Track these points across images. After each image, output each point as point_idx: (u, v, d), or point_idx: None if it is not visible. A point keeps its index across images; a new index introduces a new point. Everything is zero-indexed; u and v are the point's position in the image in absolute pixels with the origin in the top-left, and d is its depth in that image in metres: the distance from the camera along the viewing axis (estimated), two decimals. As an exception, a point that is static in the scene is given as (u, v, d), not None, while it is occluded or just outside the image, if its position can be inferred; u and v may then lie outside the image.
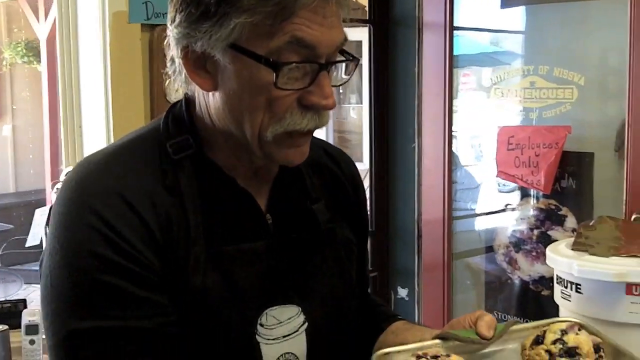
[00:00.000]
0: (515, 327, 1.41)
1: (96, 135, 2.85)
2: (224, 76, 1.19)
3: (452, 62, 3.34)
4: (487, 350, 1.36)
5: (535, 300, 3.19)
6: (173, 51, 1.24)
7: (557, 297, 2.38)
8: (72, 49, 2.89)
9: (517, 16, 3.48)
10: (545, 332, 1.36)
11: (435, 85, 3.39)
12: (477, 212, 3.72)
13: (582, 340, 1.32)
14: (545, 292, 3.15)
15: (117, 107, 2.76)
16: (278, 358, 1.27)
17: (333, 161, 1.49)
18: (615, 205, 2.81)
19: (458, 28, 3.41)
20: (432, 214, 3.46)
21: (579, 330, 1.35)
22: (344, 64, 1.25)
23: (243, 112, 1.19)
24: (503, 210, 3.42)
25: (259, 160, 1.27)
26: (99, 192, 1.17)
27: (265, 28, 1.13)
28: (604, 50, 3.09)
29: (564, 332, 1.34)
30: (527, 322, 1.45)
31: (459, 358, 1.26)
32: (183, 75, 1.24)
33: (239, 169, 1.28)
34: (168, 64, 1.28)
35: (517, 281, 3.29)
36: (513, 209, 3.31)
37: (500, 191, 3.53)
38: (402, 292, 3.63)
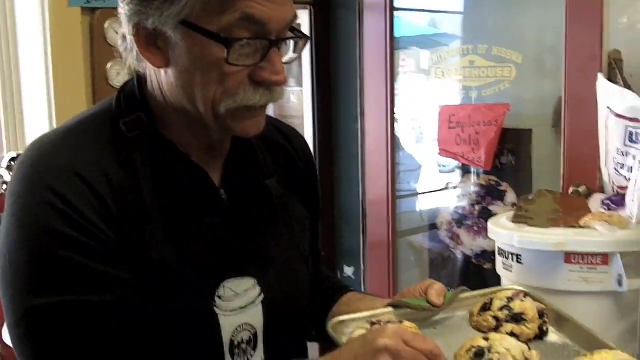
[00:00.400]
0: (463, 295, 1.46)
1: (38, 120, 2.83)
2: (175, 53, 1.20)
3: (393, 43, 3.37)
4: (437, 317, 1.41)
5: (478, 274, 3.25)
6: (124, 28, 1.24)
7: (499, 269, 2.46)
8: (10, 34, 2.86)
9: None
10: (492, 299, 1.40)
11: (377, 67, 3.42)
12: (420, 192, 3.78)
13: (527, 307, 1.37)
14: (487, 266, 3.22)
15: (59, 91, 2.74)
16: (236, 329, 1.29)
17: (285, 138, 1.51)
18: (553, 180, 2.87)
19: (398, 9, 3.44)
20: (376, 194, 3.50)
21: (524, 297, 1.40)
22: (292, 42, 1.27)
23: (195, 89, 1.20)
24: (445, 189, 3.48)
25: (216, 134, 1.29)
26: (53, 170, 1.17)
27: (216, 5, 1.15)
28: (540, 29, 3.15)
29: (510, 299, 1.39)
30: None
31: (412, 324, 1.30)
32: (135, 53, 1.25)
33: (193, 145, 1.30)
34: (119, 42, 1.29)
35: (459, 256, 3.35)
36: (455, 187, 3.37)
37: (441, 172, 3.60)
38: (349, 271, 3.68)
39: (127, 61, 1.30)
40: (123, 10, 1.23)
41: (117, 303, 1.17)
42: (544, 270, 2.25)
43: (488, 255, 3.20)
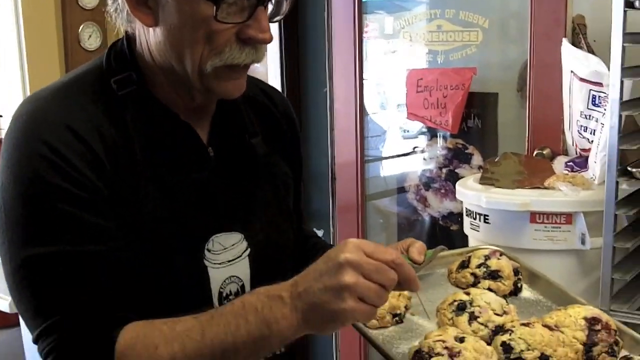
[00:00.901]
0: (442, 253, 1.51)
1: (11, 82, 2.83)
2: (165, 11, 1.24)
3: (361, 7, 3.39)
4: (418, 274, 1.47)
5: (445, 235, 3.32)
6: None
7: (467, 229, 2.52)
8: (-19, -2, 2.85)
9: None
10: (469, 257, 1.47)
11: (345, 31, 3.43)
12: (388, 156, 3.82)
13: (504, 265, 1.44)
14: (454, 227, 3.29)
15: (31, 53, 2.75)
16: (224, 281, 1.35)
17: (268, 99, 1.56)
18: (518, 142, 2.92)
19: (366, -27, 3.46)
20: (345, 157, 3.53)
21: (500, 256, 1.47)
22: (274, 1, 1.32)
23: (184, 46, 1.25)
24: (412, 153, 3.53)
25: (199, 96, 1.33)
26: (48, 124, 1.22)
27: None
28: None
29: (487, 257, 1.46)
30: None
31: None
32: (125, 13, 1.29)
33: (180, 105, 1.34)
34: (109, 2, 1.32)
35: (427, 218, 3.41)
36: (422, 151, 3.42)
37: (404, 137, 3.64)
38: (318, 233, 3.72)
39: (117, 22, 1.33)
40: None
41: (109, 253, 1.21)
42: (510, 230, 2.32)
43: (455, 217, 3.27)
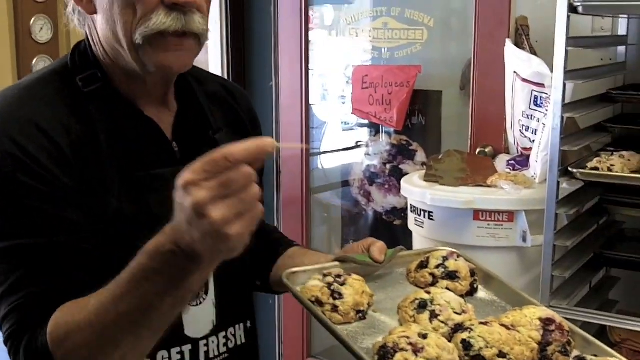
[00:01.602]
0: (402, 253, 1.56)
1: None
2: None
3: (307, 1, 3.41)
4: (378, 272, 1.51)
5: (388, 230, 3.37)
6: None
7: (411, 225, 2.57)
8: None
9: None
10: (428, 258, 1.51)
11: (292, 23, 3.44)
12: (329, 149, 3.85)
13: (461, 266, 1.48)
14: (397, 222, 3.33)
15: None
16: None
17: (230, 95, 1.58)
18: (461, 140, 2.98)
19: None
20: (290, 151, 3.56)
21: (458, 257, 1.51)
22: None
23: (116, 21, 1.28)
24: (356, 147, 3.56)
25: (150, 80, 1.35)
26: (15, 121, 1.24)
27: None
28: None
29: (445, 258, 1.50)
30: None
31: (359, 277, 1.40)
32: (77, 13, 1.32)
33: (141, 102, 1.35)
34: (68, 9, 1.35)
35: (370, 213, 3.46)
36: (367, 145, 3.45)
37: (343, 130, 3.68)
38: (262, 227, 3.73)
39: (74, 23, 1.36)
40: None
41: (74, 244, 1.24)
42: (454, 227, 2.37)
43: (398, 212, 3.31)
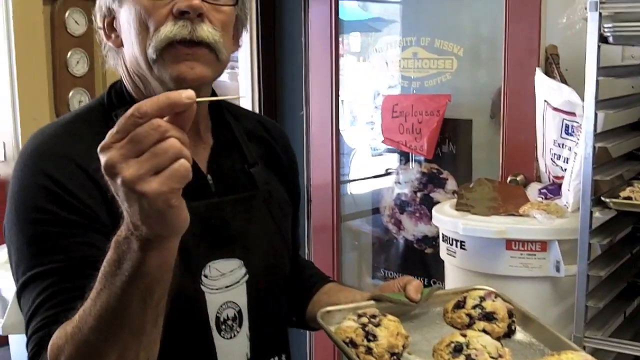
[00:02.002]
0: (438, 292, 1.55)
1: (1, 107, 2.87)
2: (122, 27, 1.35)
3: (338, 30, 3.44)
4: (414, 312, 1.51)
5: (420, 258, 3.37)
6: (98, 24, 1.40)
7: (443, 254, 2.56)
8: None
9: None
10: (465, 298, 1.50)
11: (322, 53, 3.48)
12: (358, 176, 3.86)
13: (498, 306, 1.47)
14: (428, 250, 3.33)
15: (22, 78, 2.83)
16: (221, 306, 1.39)
17: (267, 132, 1.61)
18: (492, 168, 2.98)
19: (343, -2, 3.51)
20: (320, 179, 3.57)
21: (495, 297, 1.50)
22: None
23: (133, 44, 1.33)
24: (387, 174, 3.57)
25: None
26: (52, 157, 1.29)
27: None
28: (477, 22, 3.26)
29: (482, 298, 1.48)
30: (433, 284, 1.59)
31: (394, 318, 1.39)
32: (112, 52, 1.37)
33: None
34: (102, 46, 1.40)
35: (401, 241, 3.46)
36: (397, 173, 3.46)
37: (373, 155, 3.69)
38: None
39: (110, 62, 1.40)
40: (97, 13, 1.35)
41: (94, 262, 1.25)
42: (487, 256, 2.36)
43: (429, 241, 3.31)
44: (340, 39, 3.50)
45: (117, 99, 1.40)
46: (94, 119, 1.38)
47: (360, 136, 3.70)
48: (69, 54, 2.92)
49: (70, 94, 2.94)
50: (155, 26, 1.30)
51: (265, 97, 3.68)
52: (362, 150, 3.76)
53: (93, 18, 1.42)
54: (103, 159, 0.94)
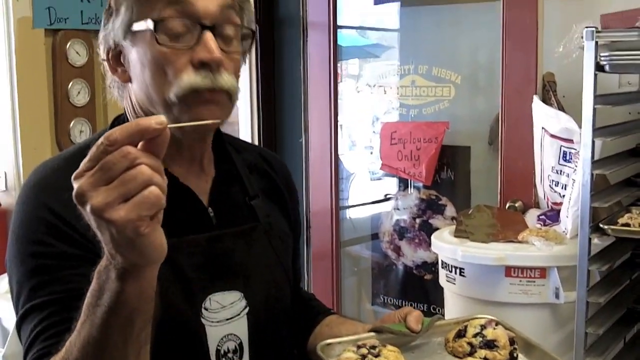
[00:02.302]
0: (439, 322, 1.55)
1: (2, 136, 2.89)
2: (131, 62, 1.35)
3: (336, 60, 3.46)
4: (415, 342, 1.51)
5: (419, 285, 3.37)
6: (102, 55, 1.39)
7: (442, 281, 2.57)
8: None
9: (395, 16, 3.64)
10: (466, 327, 1.50)
11: (321, 82, 3.50)
12: (357, 201, 3.88)
13: (499, 334, 1.47)
14: (427, 277, 3.34)
15: (23, 108, 2.86)
16: (222, 339, 1.39)
17: (268, 164, 1.62)
18: (490, 194, 3.00)
19: (341, 27, 3.54)
20: (320, 205, 3.58)
21: (496, 325, 1.50)
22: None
23: (148, 85, 1.33)
24: (385, 200, 3.59)
25: (184, 142, 1.39)
26: (53, 190, 1.30)
27: (146, 4, 1.30)
28: (475, 50, 3.29)
29: (483, 327, 1.49)
30: (432, 310, 1.60)
31: (394, 348, 1.40)
32: (116, 86, 1.37)
33: (178, 166, 1.39)
34: (108, 81, 1.40)
35: (401, 267, 3.47)
36: (396, 199, 3.47)
37: (372, 179, 3.71)
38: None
39: (115, 96, 1.41)
40: (101, 45, 1.35)
41: None
42: (486, 283, 2.37)
43: (429, 267, 3.32)
44: (338, 64, 3.52)
45: None
46: None
47: (359, 160, 3.72)
48: (70, 84, 2.94)
49: (71, 124, 2.96)
50: (175, 73, 1.30)
51: (264, 124, 3.70)
52: (361, 175, 3.78)
53: (97, 51, 1.43)
54: (75, 186, 0.95)
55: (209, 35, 1.31)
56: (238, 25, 1.38)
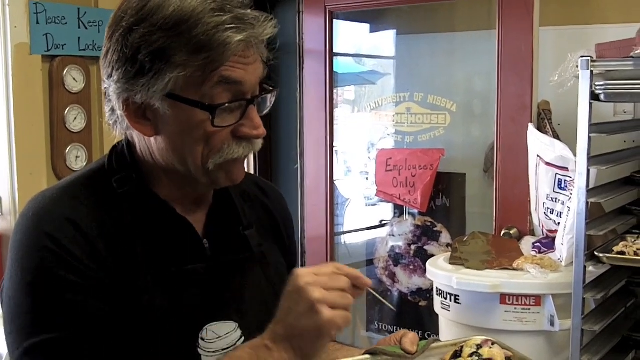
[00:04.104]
0: (435, 344, 1.54)
1: (-1, 162, 2.91)
2: (164, 121, 1.31)
3: (332, 87, 3.48)
4: None
5: (414, 311, 3.37)
6: (114, 103, 1.34)
7: (437, 308, 2.57)
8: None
9: (391, 44, 3.67)
10: (462, 347, 1.50)
11: (317, 108, 3.51)
12: (352, 226, 3.88)
13: (496, 353, 1.46)
14: (422, 303, 3.34)
15: (19, 134, 2.85)
16: None
17: (264, 194, 1.62)
18: (485, 221, 3.01)
19: (338, 54, 3.57)
20: (315, 231, 3.58)
21: (492, 345, 1.50)
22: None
23: (185, 150, 1.32)
24: (381, 226, 3.59)
25: (204, 188, 1.40)
26: (53, 220, 1.28)
27: (197, 77, 1.26)
28: (470, 78, 3.31)
29: (479, 346, 1.48)
30: (428, 337, 1.59)
31: None
32: (125, 124, 1.35)
33: (178, 200, 1.40)
34: (107, 114, 1.38)
35: (396, 293, 3.46)
36: (391, 225, 3.48)
37: (367, 205, 3.71)
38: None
39: (115, 131, 1.39)
40: (111, 87, 1.32)
41: (108, 336, 1.26)
42: (481, 310, 2.38)
43: (424, 293, 3.32)
44: (334, 91, 3.54)
45: (118, 163, 1.40)
46: (95, 183, 1.38)
47: (355, 186, 3.72)
48: (67, 110, 2.94)
49: (67, 149, 2.95)
50: (218, 145, 1.31)
51: (260, 151, 3.67)
52: (356, 200, 3.79)
53: (105, 97, 1.37)
54: (314, 293, 1.20)
55: (254, 112, 1.33)
56: (272, 91, 1.39)
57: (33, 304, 1.25)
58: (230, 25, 1.26)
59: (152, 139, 1.34)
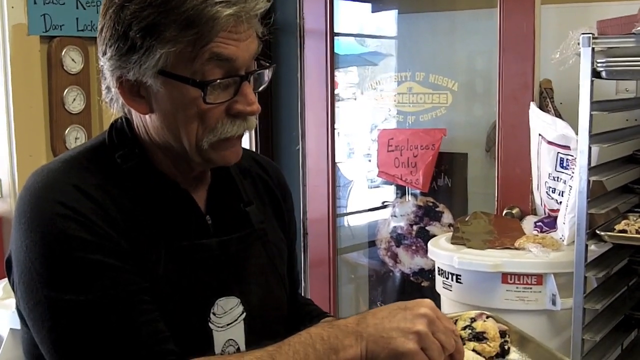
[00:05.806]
0: None
1: (-2, 141, 2.91)
2: (157, 99, 1.30)
3: (333, 67, 3.46)
4: None
5: (416, 291, 3.37)
6: (108, 81, 1.33)
7: (439, 287, 2.57)
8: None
9: (393, 24, 3.66)
10: (456, 320, 1.50)
11: (318, 90, 3.50)
12: (355, 208, 3.88)
13: (489, 326, 1.46)
14: (425, 283, 3.33)
15: (18, 115, 2.84)
16: (224, 344, 1.39)
17: (263, 169, 1.61)
18: (487, 201, 3.00)
19: (338, 34, 3.55)
20: (317, 213, 3.58)
21: (487, 318, 1.50)
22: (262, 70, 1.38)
23: (179, 128, 1.31)
24: (383, 207, 3.59)
25: (198, 167, 1.39)
26: (60, 188, 1.26)
27: (187, 53, 1.25)
28: (472, 57, 3.30)
29: (473, 319, 1.48)
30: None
31: None
32: (120, 102, 1.35)
33: (178, 177, 1.39)
34: (104, 92, 1.38)
35: (398, 274, 3.46)
36: (393, 206, 3.47)
37: (370, 187, 3.70)
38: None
39: (112, 108, 1.38)
40: (105, 65, 1.31)
41: (133, 297, 1.25)
42: (482, 290, 2.37)
43: (426, 273, 3.31)
44: (336, 72, 3.52)
45: (119, 139, 1.40)
46: (98, 157, 1.37)
47: (357, 168, 3.71)
48: (66, 91, 2.93)
49: (67, 131, 2.94)
50: (211, 123, 1.30)
51: (261, 132, 3.69)
52: (359, 182, 3.78)
53: (100, 75, 1.37)
54: (423, 325, 1.18)
55: (248, 88, 1.31)
56: (267, 67, 1.37)
57: (59, 268, 1.22)
58: (220, 0, 1.25)
59: (147, 116, 1.34)
